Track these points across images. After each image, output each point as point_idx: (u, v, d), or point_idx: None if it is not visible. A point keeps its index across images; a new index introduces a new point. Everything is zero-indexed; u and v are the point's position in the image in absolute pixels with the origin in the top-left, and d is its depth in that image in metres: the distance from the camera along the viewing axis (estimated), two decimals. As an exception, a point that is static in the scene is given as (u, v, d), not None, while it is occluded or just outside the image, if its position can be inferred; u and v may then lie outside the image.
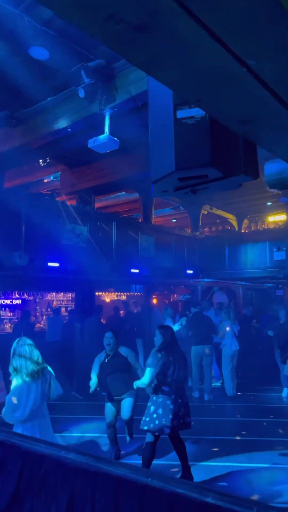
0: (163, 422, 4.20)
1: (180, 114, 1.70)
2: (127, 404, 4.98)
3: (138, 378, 4.70)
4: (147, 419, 4.28)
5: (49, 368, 3.90)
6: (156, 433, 4.27)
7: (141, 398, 5.02)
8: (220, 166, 1.67)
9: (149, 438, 4.34)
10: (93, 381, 4.96)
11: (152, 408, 4.29)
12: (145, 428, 4.27)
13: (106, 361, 5.02)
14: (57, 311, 10.52)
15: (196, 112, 1.68)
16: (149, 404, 4.36)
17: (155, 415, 4.24)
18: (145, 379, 4.34)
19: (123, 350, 5.06)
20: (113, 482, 2.03)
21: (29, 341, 3.88)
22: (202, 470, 4.67)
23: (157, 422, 4.21)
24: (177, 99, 1.70)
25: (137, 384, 4.54)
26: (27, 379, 3.56)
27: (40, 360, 3.76)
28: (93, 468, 2.13)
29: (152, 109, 1.88)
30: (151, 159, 1.85)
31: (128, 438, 5.17)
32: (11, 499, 2.38)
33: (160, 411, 4.23)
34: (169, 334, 4.52)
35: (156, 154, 1.81)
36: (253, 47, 1.02)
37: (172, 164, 1.68)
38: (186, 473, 4.30)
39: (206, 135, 1.66)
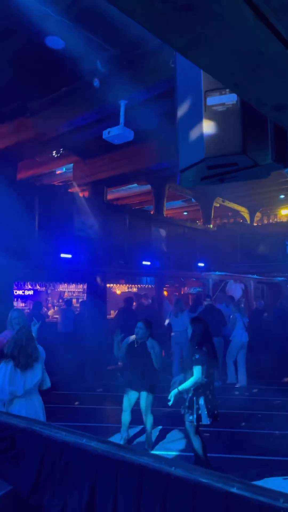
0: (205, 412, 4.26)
1: (210, 101, 1.66)
2: (146, 398, 5.04)
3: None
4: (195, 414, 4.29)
5: (41, 357, 3.92)
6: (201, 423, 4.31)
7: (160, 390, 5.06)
8: (251, 154, 1.64)
9: (191, 431, 4.38)
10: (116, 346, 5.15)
11: (194, 401, 4.30)
12: (200, 422, 4.29)
13: (135, 346, 5.11)
14: (69, 302, 10.58)
15: (227, 98, 1.64)
16: (189, 396, 4.35)
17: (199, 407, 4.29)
18: (196, 377, 4.27)
19: (150, 342, 5.11)
20: (136, 471, 2.03)
21: (28, 331, 3.94)
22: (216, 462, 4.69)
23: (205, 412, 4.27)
24: (208, 86, 1.67)
25: (188, 384, 4.36)
26: (15, 367, 3.62)
27: (34, 353, 3.77)
28: (116, 456, 2.13)
29: (180, 96, 1.85)
30: (179, 147, 1.82)
31: (146, 447, 5.13)
32: (32, 486, 2.40)
33: (202, 401, 4.27)
34: (202, 326, 4.52)
35: (185, 142, 1.78)
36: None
37: (202, 151, 1.65)
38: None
39: (237, 122, 1.63)
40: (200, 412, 4.25)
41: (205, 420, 4.25)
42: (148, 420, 5.05)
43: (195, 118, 1.70)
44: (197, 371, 4.25)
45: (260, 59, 1.12)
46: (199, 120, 1.68)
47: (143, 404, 5.03)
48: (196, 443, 4.36)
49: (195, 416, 4.25)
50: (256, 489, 1.77)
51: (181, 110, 1.83)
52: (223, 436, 5.58)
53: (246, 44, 1.06)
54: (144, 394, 5.03)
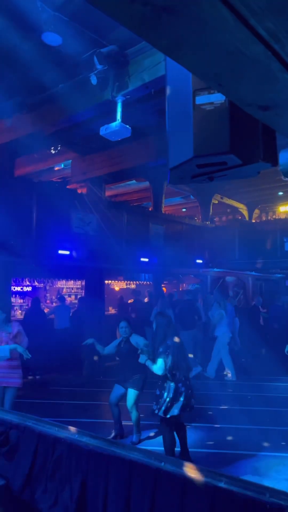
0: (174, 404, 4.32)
1: (199, 100, 1.67)
2: (130, 394, 5.16)
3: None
4: (160, 406, 4.35)
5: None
6: (168, 416, 4.34)
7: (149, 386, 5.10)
8: (239, 153, 1.65)
9: (163, 425, 4.43)
10: (99, 347, 5.36)
11: (164, 393, 4.38)
12: (159, 413, 4.35)
13: (121, 345, 5.33)
14: (62, 298, 10.56)
15: (216, 98, 1.65)
16: (160, 390, 4.44)
17: (167, 399, 4.34)
18: (159, 369, 4.37)
19: (134, 338, 5.25)
20: (126, 466, 2.06)
21: None
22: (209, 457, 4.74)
23: (168, 405, 4.32)
24: (196, 85, 1.68)
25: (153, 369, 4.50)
26: None
27: None
28: (106, 451, 2.16)
29: (170, 95, 1.86)
30: (169, 145, 1.83)
31: (135, 437, 5.24)
32: (25, 480, 2.43)
33: (171, 395, 4.33)
34: (165, 322, 4.66)
35: (174, 141, 1.79)
36: (280, 29, 1.00)
37: (191, 150, 1.66)
38: (186, 458, 4.43)
39: (225, 122, 1.64)
40: (166, 404, 4.31)
41: (173, 412, 4.32)
42: (132, 416, 5.18)
43: (184, 116, 1.72)
44: (158, 363, 4.36)
45: (242, 60, 1.13)
46: (188, 119, 1.69)
47: (128, 400, 5.15)
48: (164, 437, 4.44)
49: (162, 408, 4.32)
50: (243, 484, 1.80)
51: (171, 109, 1.84)
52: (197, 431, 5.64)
53: (227, 45, 1.07)
54: (130, 391, 5.15)
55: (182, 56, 1.15)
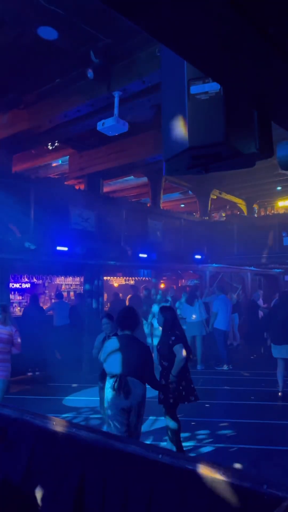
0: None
1: (194, 89, 1.65)
2: None
3: None
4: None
5: None
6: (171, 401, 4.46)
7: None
8: (234, 143, 1.64)
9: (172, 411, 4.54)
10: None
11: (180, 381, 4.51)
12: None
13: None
14: (60, 295, 10.56)
15: (210, 87, 1.63)
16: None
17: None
18: (180, 356, 4.47)
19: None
20: (124, 459, 2.06)
21: None
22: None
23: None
24: (191, 74, 1.66)
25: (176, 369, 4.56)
26: None
27: None
28: (104, 445, 2.16)
29: (165, 85, 1.84)
30: (164, 137, 1.82)
31: None
32: (24, 474, 2.43)
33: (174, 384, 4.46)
34: (170, 315, 4.79)
35: (169, 132, 1.78)
36: (274, 14, 0.99)
37: (186, 141, 1.65)
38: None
39: (220, 112, 1.62)
40: (176, 392, 4.45)
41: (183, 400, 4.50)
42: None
43: (179, 107, 1.70)
44: (178, 350, 4.47)
45: (237, 47, 1.12)
46: (182, 109, 1.68)
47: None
48: (171, 424, 4.54)
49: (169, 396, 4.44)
50: (241, 476, 1.80)
51: (166, 99, 1.82)
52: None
53: (222, 31, 1.06)
54: None
55: (176, 44, 1.14)
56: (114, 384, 3.72)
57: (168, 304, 8.98)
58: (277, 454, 4.80)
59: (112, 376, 3.79)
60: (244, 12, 1.00)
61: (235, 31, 1.04)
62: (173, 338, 4.54)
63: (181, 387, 4.48)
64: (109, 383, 3.80)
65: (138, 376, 3.75)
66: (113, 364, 3.82)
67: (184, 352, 4.46)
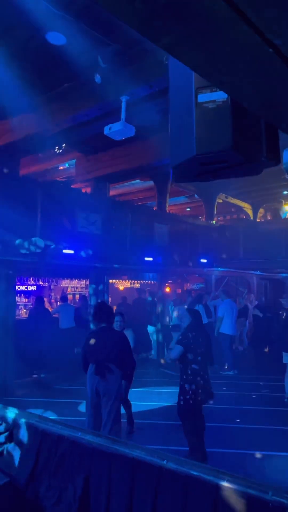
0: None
1: (202, 98, 1.67)
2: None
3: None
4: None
5: None
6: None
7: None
8: (242, 151, 1.65)
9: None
10: None
11: (186, 386, 4.57)
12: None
13: None
14: (65, 298, 10.58)
15: (218, 96, 1.65)
16: (181, 383, 4.64)
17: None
18: (174, 354, 4.67)
19: (126, 333, 5.49)
20: (129, 464, 2.06)
21: None
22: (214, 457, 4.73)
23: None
24: (199, 83, 1.68)
25: (168, 356, 4.91)
26: None
27: None
28: (109, 449, 2.17)
29: (172, 93, 1.85)
30: (171, 143, 1.83)
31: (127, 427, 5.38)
32: (28, 478, 2.44)
33: (193, 386, 4.54)
34: (197, 316, 4.93)
35: (176, 139, 1.79)
36: (281, 26, 1.00)
37: (193, 148, 1.66)
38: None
39: (227, 120, 1.64)
40: (187, 396, 4.53)
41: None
42: (127, 406, 5.53)
43: (186, 115, 1.71)
44: (175, 348, 4.69)
45: (244, 57, 1.13)
46: (190, 117, 1.69)
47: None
48: (186, 426, 4.65)
49: (182, 398, 4.56)
50: (246, 482, 1.80)
51: (173, 107, 1.84)
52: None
53: (229, 42, 1.07)
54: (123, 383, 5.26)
55: (183, 54, 1.15)
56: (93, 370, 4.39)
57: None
58: (283, 460, 4.77)
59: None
60: (253, 25, 1.02)
61: (244, 44, 1.05)
62: (180, 337, 4.72)
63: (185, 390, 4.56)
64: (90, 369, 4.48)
65: (115, 362, 4.39)
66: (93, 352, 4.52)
67: (175, 354, 4.63)
